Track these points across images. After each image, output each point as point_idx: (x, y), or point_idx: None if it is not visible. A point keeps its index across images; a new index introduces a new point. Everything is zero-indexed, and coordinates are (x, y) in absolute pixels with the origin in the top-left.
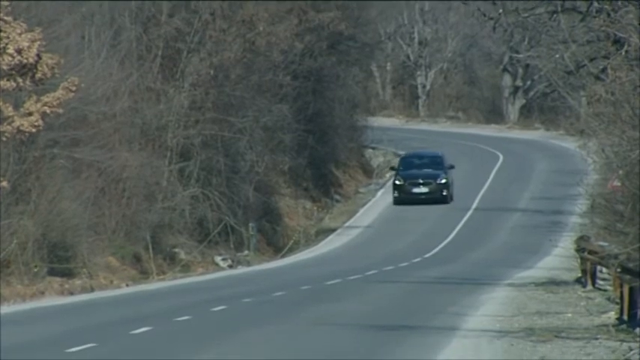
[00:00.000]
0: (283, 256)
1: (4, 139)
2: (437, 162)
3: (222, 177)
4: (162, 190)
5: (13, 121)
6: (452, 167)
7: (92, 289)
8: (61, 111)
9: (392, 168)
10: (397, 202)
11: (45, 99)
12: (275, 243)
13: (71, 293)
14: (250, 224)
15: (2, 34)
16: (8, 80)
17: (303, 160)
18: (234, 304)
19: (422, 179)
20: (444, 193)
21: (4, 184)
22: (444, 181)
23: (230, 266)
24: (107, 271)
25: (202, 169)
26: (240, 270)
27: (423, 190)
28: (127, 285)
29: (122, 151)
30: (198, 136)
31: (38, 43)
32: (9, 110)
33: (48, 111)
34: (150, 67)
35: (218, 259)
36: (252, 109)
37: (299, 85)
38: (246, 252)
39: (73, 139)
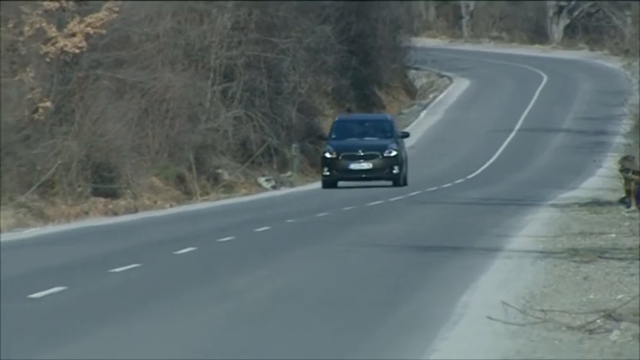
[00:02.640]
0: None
1: (47, 59)
2: (384, 128)
3: (266, 98)
4: (205, 111)
5: (56, 42)
6: (406, 135)
7: (136, 210)
8: (104, 32)
9: (320, 137)
10: (327, 183)
11: (88, 20)
12: (318, 164)
13: (115, 214)
14: (293, 145)
15: None
16: (52, 0)
17: (346, 81)
18: (278, 224)
19: (363, 151)
20: (395, 171)
21: (48, 104)
22: (394, 153)
23: (273, 187)
24: (151, 191)
25: (245, 90)
26: (284, 191)
27: (365, 166)
28: (171, 205)
29: (165, 72)
30: (241, 56)
31: None
32: (52, 31)
33: (91, 32)
34: None
35: (261, 179)
36: (295, 30)
37: (342, 6)
38: (289, 173)
39: (116, 60)
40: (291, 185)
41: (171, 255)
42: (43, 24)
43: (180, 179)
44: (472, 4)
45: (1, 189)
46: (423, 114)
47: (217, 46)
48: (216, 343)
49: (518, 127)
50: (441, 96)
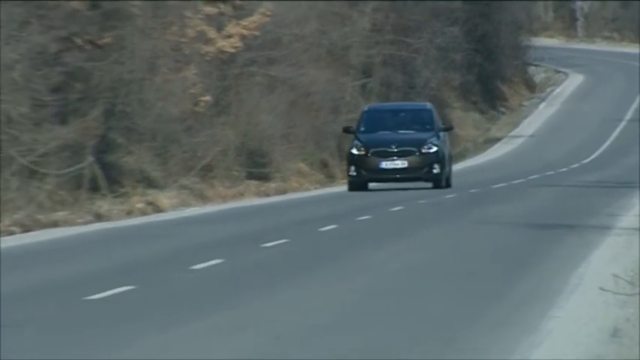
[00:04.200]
0: (454, 163)
1: (207, 58)
2: (423, 119)
3: (400, 92)
4: (346, 103)
5: (215, 43)
6: (450, 128)
7: (285, 192)
8: (257, 33)
9: (346, 130)
10: (355, 185)
11: (244, 23)
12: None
13: (267, 195)
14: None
15: None
16: (212, 6)
17: (472, 76)
18: (410, 205)
19: (397, 147)
20: (436, 170)
21: (208, 98)
22: (434, 149)
23: None
24: (298, 175)
25: (382, 85)
26: None
27: (399, 164)
28: (316, 188)
29: (311, 69)
30: (378, 55)
31: None
32: (212, 33)
33: (246, 33)
34: None
35: None
36: (427, 31)
37: (469, 9)
38: None
39: (268, 59)
40: None
41: (315, 231)
42: (204, 27)
43: (324, 164)
44: (587, 7)
45: (168, 172)
46: (541, 106)
47: (357, 45)
48: (356, 311)
49: (628, 117)
50: (558, 90)
